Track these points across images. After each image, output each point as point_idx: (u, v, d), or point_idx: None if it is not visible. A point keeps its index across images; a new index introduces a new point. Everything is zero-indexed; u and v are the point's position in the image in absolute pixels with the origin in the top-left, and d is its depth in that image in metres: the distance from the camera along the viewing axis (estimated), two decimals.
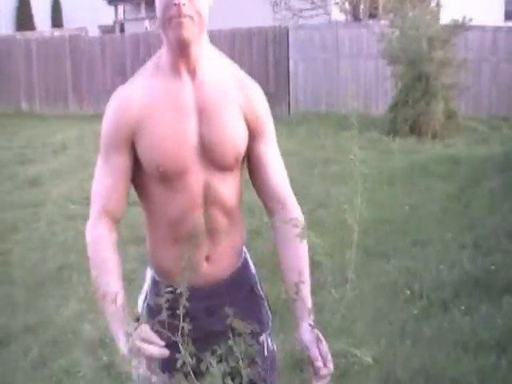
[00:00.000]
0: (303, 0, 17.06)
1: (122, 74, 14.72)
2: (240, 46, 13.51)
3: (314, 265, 1.71)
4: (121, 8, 28.09)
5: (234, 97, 1.69)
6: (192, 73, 1.64)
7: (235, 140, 1.69)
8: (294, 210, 1.79)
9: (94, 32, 25.30)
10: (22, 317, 4.20)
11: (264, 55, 13.40)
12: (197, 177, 1.67)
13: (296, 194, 5.97)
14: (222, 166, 1.69)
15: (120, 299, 1.52)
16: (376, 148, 9.38)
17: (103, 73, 15.18)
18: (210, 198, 1.68)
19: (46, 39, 17.36)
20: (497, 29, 12.85)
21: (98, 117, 8.36)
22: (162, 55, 1.67)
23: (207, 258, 1.73)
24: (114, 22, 26.66)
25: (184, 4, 1.52)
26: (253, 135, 1.73)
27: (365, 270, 4.54)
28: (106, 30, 26.25)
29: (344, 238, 5.01)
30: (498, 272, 4.60)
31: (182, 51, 1.59)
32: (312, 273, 1.72)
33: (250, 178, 1.79)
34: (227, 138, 1.67)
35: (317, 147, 9.52)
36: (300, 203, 5.72)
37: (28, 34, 21.29)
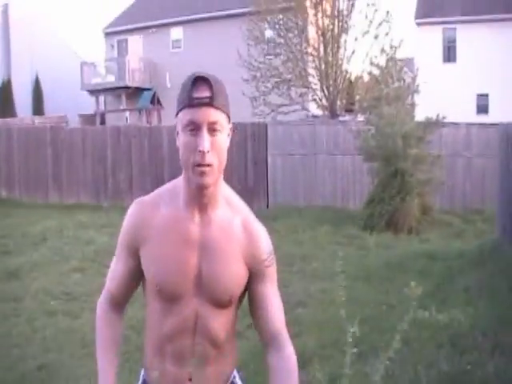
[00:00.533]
0: (281, 96, 17.72)
1: (103, 166, 14.98)
2: None
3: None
4: (102, 98, 28.73)
5: (238, 239, 1.81)
6: (203, 210, 1.78)
7: (231, 281, 1.79)
8: (287, 346, 1.85)
9: (74, 120, 25.74)
10: None
11: (243, 150, 13.72)
12: (190, 305, 1.78)
13: None
14: (215, 302, 1.79)
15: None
16: (353, 244, 9.56)
17: (83, 163, 15.38)
18: (199, 328, 1.80)
19: (28, 127, 17.70)
20: (469, 125, 13.44)
21: (78, 207, 8.57)
22: (179, 186, 1.82)
23: (190, 379, 1.83)
24: (95, 112, 27.16)
25: (208, 151, 1.67)
26: (253, 276, 1.83)
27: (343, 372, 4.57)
28: (87, 118, 26.70)
29: (322, 337, 5.10)
30: (475, 371, 4.65)
31: (199, 193, 1.75)
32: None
33: (249, 309, 1.88)
34: (224, 278, 1.78)
35: (295, 242, 9.67)
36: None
37: (9, 120, 21.62)
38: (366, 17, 17.41)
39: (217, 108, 1.70)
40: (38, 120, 23.32)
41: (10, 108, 29.05)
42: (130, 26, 28.97)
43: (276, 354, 1.81)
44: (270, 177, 13.68)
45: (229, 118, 1.78)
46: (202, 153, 1.67)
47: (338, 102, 17.84)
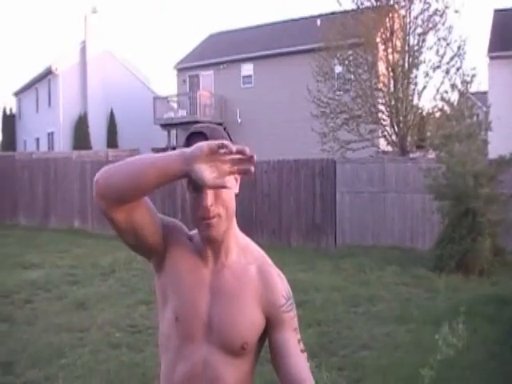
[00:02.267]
0: (350, 132, 17.66)
1: (172, 198, 15.23)
2: (287, 177, 13.86)
3: None
4: (173, 132, 29.37)
5: (253, 286, 1.76)
6: (215, 257, 1.77)
7: (244, 328, 1.73)
8: None
9: (147, 153, 26.34)
10: None
11: (311, 187, 13.68)
12: (199, 351, 1.73)
13: (339, 333, 5.94)
14: (227, 350, 1.73)
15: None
16: (421, 285, 9.32)
17: (153, 197, 15.61)
18: (208, 378, 1.73)
19: (101, 160, 18.24)
20: None
21: None
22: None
23: None
24: (167, 146, 27.75)
25: (211, 205, 1.65)
26: (271, 324, 1.76)
27: None
28: (159, 152, 27.24)
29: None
30: None
31: (209, 244, 1.74)
32: None
33: (271, 360, 1.79)
34: (236, 324, 1.72)
35: (362, 283, 9.50)
36: (343, 344, 5.70)
37: (83, 153, 22.37)
38: (438, 52, 17.23)
39: None
40: (111, 153, 24.01)
41: (86, 141, 30.06)
42: (201, 62, 29.63)
43: None
44: (338, 214, 13.56)
45: None
46: (206, 208, 1.65)
47: (409, 139, 17.64)
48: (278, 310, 1.76)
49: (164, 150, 27.37)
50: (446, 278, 9.51)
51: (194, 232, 1.85)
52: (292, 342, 1.76)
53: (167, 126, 28.71)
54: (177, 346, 1.77)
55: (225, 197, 1.67)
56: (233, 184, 1.71)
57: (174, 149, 27.82)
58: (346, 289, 8.95)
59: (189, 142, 1.67)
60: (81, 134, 30.52)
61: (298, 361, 1.73)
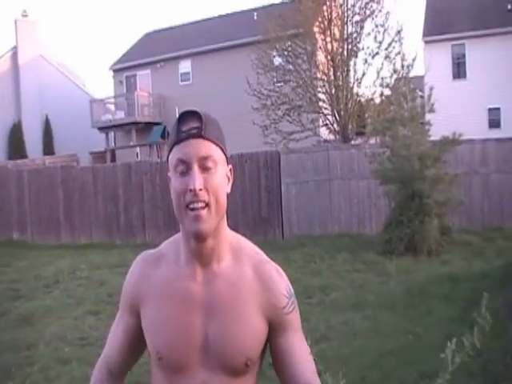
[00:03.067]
0: (292, 123, 17.60)
1: (115, 203, 14.86)
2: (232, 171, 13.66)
3: None
4: (111, 135, 28.85)
5: (251, 290, 1.56)
6: (206, 266, 1.55)
7: (247, 341, 1.53)
8: None
9: (85, 158, 25.82)
10: None
11: (256, 180, 13.57)
12: (197, 378, 1.52)
13: None
14: (229, 371, 1.52)
15: None
16: (372, 270, 9.31)
17: (95, 202, 15.27)
18: None
19: (38, 168, 17.64)
20: (485, 141, 13.14)
21: (90, 247, 8.39)
22: (180, 240, 1.59)
23: None
24: (106, 149, 27.22)
25: (200, 189, 1.45)
26: (273, 328, 1.57)
27: None
28: (98, 156, 26.76)
29: (348, 374, 4.81)
30: None
31: (197, 246, 1.52)
32: None
33: (273, 365, 1.61)
34: (237, 341, 1.52)
35: (313, 273, 9.41)
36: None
37: (20, 162, 21.70)
38: (376, 38, 17.31)
39: (208, 140, 1.48)
40: (48, 160, 23.34)
41: (20, 150, 29.20)
42: (137, 62, 29.14)
43: None
44: (285, 206, 13.46)
45: (225, 155, 1.55)
46: (194, 191, 1.44)
47: (350, 126, 17.68)
48: (280, 312, 1.57)
49: (103, 152, 26.83)
50: (397, 261, 9.55)
51: (166, 244, 1.65)
52: (297, 345, 1.59)
53: (105, 128, 28.13)
54: (165, 379, 1.56)
55: (214, 186, 1.47)
56: (224, 179, 1.52)
57: (112, 151, 27.35)
58: (298, 280, 8.80)
59: (180, 122, 1.49)
60: (15, 142, 29.63)
61: (304, 364, 1.58)
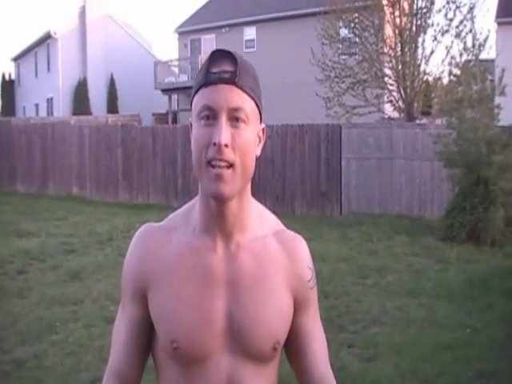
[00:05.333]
0: (356, 97, 17.14)
1: (173, 166, 14.81)
2: (292, 142, 13.43)
3: None
4: (174, 97, 28.90)
5: (278, 263, 1.36)
6: (228, 236, 1.33)
7: (276, 324, 1.34)
8: None
9: (148, 119, 26.00)
10: None
11: (316, 153, 13.25)
12: (220, 367, 1.31)
13: (348, 307, 5.55)
14: (256, 357, 1.33)
15: None
16: (431, 256, 8.96)
17: (153, 163, 15.24)
18: None
19: (99, 126, 17.75)
20: None
21: (147, 207, 8.35)
22: (195, 206, 1.37)
23: None
24: (167, 111, 27.31)
25: (226, 145, 1.22)
26: (297, 304, 1.38)
27: None
28: (160, 117, 26.92)
29: (400, 364, 4.52)
30: None
31: (218, 209, 1.29)
32: None
33: (286, 347, 1.42)
34: (265, 322, 1.32)
35: (370, 253, 9.12)
36: (352, 319, 5.29)
37: (83, 118, 21.94)
38: (446, 15, 16.61)
39: (242, 89, 1.24)
40: (111, 118, 23.58)
41: (85, 106, 29.65)
42: (202, 26, 28.95)
43: None
44: (344, 181, 13.11)
45: (260, 111, 1.31)
46: (218, 146, 1.21)
47: (415, 105, 17.11)
48: (305, 287, 1.39)
49: (165, 115, 26.92)
50: (458, 249, 9.14)
51: (176, 215, 1.41)
52: (316, 327, 1.43)
53: (168, 90, 28.15)
54: (182, 373, 1.33)
55: (244, 144, 1.25)
56: (255, 139, 1.29)
57: (174, 114, 27.42)
58: (353, 259, 8.57)
59: (211, 62, 1.25)
60: (80, 99, 30.09)
61: (322, 351, 1.42)
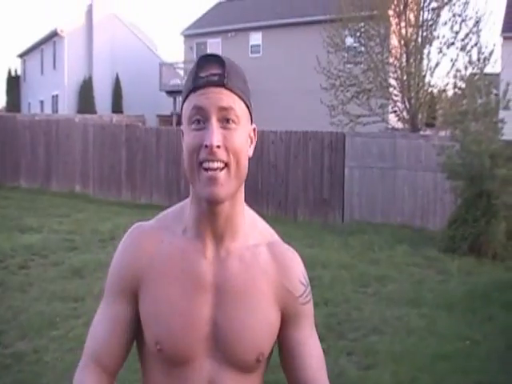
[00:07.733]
0: (360, 106, 17.20)
1: (176, 167, 14.83)
2: (295, 149, 13.43)
3: None
4: (179, 100, 28.93)
5: (267, 274, 1.35)
6: (218, 240, 1.33)
7: (260, 334, 1.33)
8: None
9: (152, 120, 26.04)
10: None
11: (319, 160, 13.26)
12: (201, 372, 1.32)
13: (349, 315, 5.58)
14: (238, 366, 1.32)
15: None
16: (433, 267, 8.98)
17: (157, 164, 15.26)
18: None
19: (104, 124, 17.78)
20: None
21: (150, 207, 8.41)
22: (187, 207, 1.38)
23: None
24: (172, 113, 27.36)
25: (218, 147, 1.22)
26: (286, 319, 1.38)
27: None
28: (164, 119, 26.96)
29: (399, 373, 4.55)
30: None
31: (210, 210, 1.30)
32: None
33: (281, 360, 1.42)
34: (249, 332, 1.32)
35: (371, 261, 9.12)
36: (352, 327, 5.32)
37: (88, 117, 21.98)
38: (452, 28, 16.69)
39: (231, 90, 1.25)
40: (116, 118, 23.63)
41: (90, 105, 29.72)
42: (209, 29, 29.04)
43: None
44: (347, 189, 13.13)
45: (249, 111, 1.32)
46: (210, 147, 1.22)
47: (420, 116, 17.16)
48: (295, 302, 1.37)
49: (169, 116, 26.94)
50: (459, 261, 9.14)
51: (167, 215, 1.43)
52: (310, 341, 1.39)
53: (173, 92, 28.20)
54: (165, 373, 1.35)
55: (235, 144, 1.25)
56: (246, 140, 1.30)
57: (178, 116, 27.44)
58: (354, 267, 8.58)
59: (198, 67, 1.26)
60: (86, 97, 30.15)
61: (317, 362, 1.38)
